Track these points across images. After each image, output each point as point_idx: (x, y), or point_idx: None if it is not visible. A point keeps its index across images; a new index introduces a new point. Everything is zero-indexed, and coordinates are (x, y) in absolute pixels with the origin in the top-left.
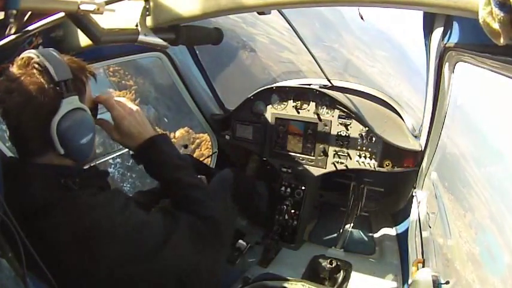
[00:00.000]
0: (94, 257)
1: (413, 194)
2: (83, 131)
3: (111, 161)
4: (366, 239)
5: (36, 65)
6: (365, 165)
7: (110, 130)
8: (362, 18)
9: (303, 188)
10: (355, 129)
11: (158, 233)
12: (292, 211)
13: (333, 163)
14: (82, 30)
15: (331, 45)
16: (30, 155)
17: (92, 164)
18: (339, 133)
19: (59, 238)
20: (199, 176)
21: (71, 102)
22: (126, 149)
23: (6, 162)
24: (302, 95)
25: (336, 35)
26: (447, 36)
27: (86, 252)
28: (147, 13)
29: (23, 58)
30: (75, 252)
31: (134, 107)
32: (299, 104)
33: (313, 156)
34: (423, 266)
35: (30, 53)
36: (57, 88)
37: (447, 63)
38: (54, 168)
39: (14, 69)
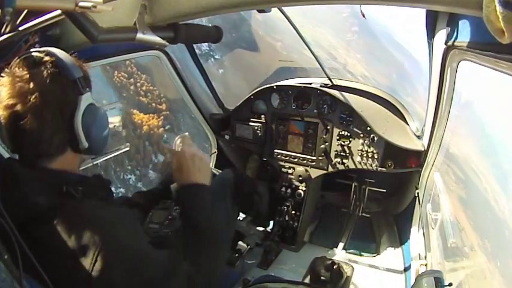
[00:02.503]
0: (92, 270)
1: (416, 194)
2: (104, 124)
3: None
4: (367, 240)
5: (50, 64)
6: (367, 166)
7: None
8: (364, 16)
9: (304, 188)
10: (357, 129)
11: (156, 271)
12: (293, 212)
13: (334, 163)
14: (79, 29)
15: (405, 99)
16: (39, 158)
17: (90, 164)
18: (340, 133)
19: (58, 245)
20: None
21: (87, 99)
22: (123, 150)
23: (4, 163)
24: (303, 94)
25: (411, 89)
26: (450, 34)
27: (85, 263)
28: (146, 11)
29: (30, 57)
30: (73, 261)
31: (199, 154)
32: (300, 104)
33: (314, 156)
34: (426, 268)
35: (38, 52)
36: (75, 86)
37: (450, 62)
38: (56, 174)
39: (23, 69)
